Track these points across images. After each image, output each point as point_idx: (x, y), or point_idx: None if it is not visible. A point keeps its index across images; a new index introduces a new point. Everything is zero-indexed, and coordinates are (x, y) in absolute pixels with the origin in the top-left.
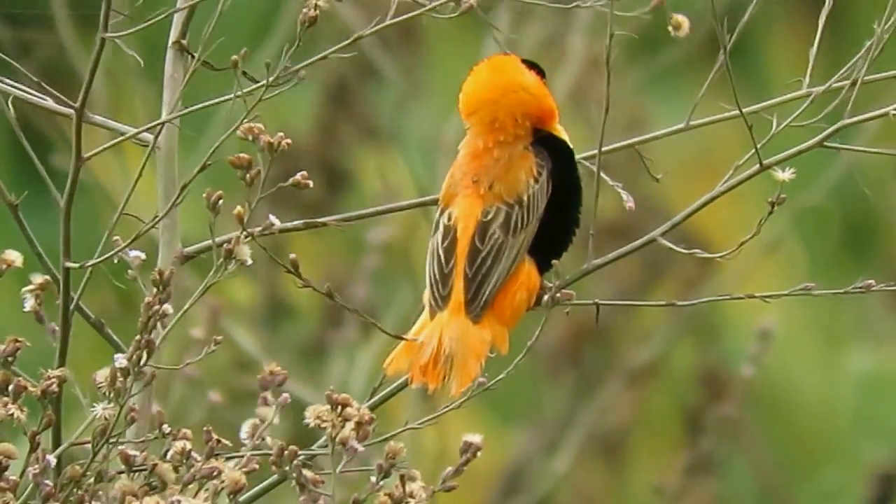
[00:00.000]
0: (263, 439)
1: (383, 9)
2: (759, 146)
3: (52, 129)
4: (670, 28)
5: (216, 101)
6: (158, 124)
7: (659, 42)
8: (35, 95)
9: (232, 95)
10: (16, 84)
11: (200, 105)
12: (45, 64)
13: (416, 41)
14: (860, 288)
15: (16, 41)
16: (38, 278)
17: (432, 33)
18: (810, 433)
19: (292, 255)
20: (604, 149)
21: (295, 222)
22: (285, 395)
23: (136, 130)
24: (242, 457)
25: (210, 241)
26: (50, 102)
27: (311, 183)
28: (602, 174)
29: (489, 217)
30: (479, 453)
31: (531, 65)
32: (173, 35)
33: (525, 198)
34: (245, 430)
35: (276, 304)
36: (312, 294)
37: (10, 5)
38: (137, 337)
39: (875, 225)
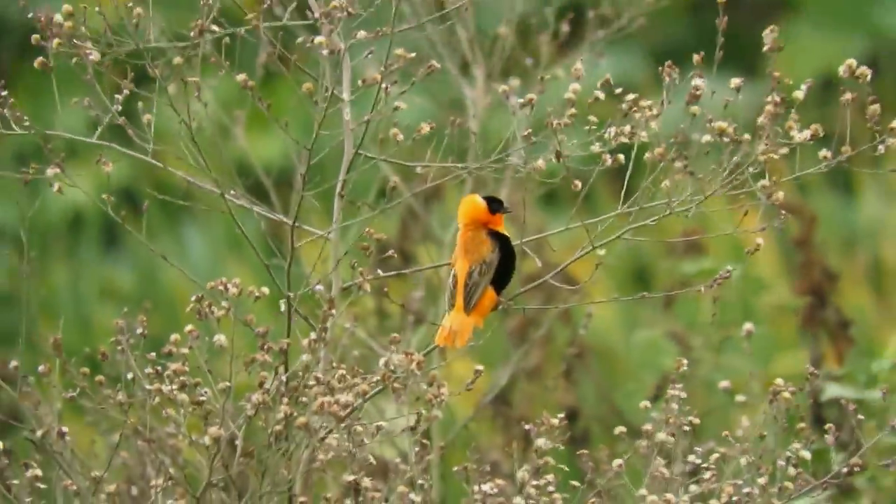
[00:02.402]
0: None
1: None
2: (592, 238)
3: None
4: (573, 186)
5: (354, 221)
6: (333, 229)
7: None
8: (274, 215)
9: (362, 218)
10: (269, 211)
11: (351, 222)
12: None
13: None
14: (641, 295)
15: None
16: (283, 301)
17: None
18: (621, 366)
19: (385, 289)
20: (525, 239)
21: (391, 273)
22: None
23: (323, 232)
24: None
25: (353, 281)
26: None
27: (395, 255)
28: (525, 249)
29: (472, 269)
30: (481, 374)
31: (490, 199)
32: (338, 189)
33: (487, 260)
34: (381, 363)
35: (380, 310)
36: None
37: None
38: (320, 325)
39: (651, 271)
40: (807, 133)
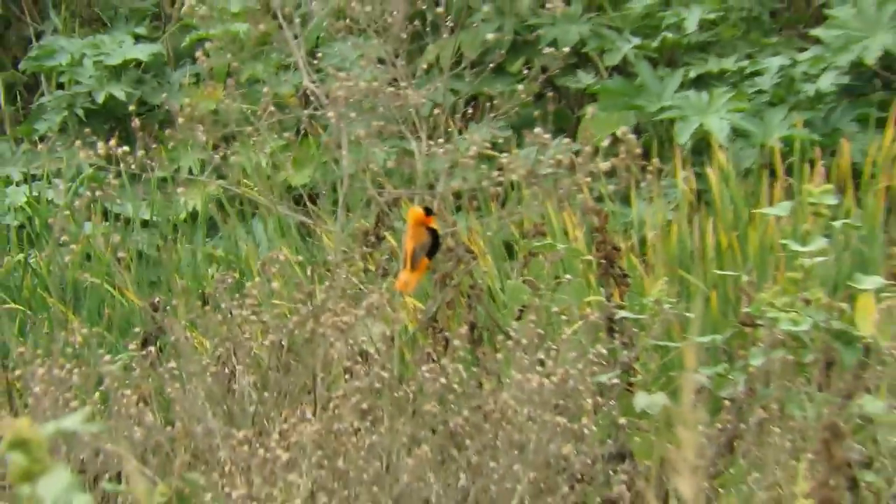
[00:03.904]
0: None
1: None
2: (486, 229)
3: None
4: (470, 202)
5: (351, 220)
6: (338, 225)
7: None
8: (307, 219)
9: (354, 216)
10: (304, 216)
11: (349, 221)
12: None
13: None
14: (514, 267)
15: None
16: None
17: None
18: (499, 300)
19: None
20: (447, 231)
21: (371, 249)
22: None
23: (333, 227)
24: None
25: (350, 255)
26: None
27: (372, 238)
28: (448, 236)
29: (415, 247)
30: (421, 309)
31: (426, 208)
32: (341, 202)
33: (424, 242)
34: (364, 304)
35: (365, 268)
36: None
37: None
38: (331, 278)
39: (513, 244)
40: (608, 164)
